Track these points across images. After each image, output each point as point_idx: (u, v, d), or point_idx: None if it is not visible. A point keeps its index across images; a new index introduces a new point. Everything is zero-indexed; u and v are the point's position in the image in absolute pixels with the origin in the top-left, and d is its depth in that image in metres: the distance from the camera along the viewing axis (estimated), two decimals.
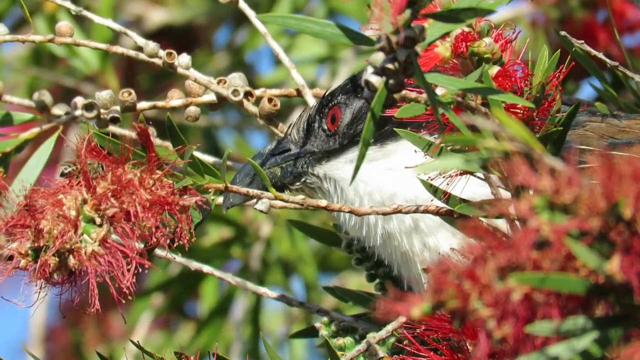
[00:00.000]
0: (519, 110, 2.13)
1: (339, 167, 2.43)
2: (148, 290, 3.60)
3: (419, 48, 1.86)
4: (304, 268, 3.52)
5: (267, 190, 2.22)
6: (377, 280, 2.47)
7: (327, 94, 2.48)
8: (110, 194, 2.00)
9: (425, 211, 2.23)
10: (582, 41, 2.34)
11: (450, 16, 1.86)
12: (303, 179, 2.46)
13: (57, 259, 1.97)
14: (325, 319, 2.41)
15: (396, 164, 2.36)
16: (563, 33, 2.34)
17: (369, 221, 2.39)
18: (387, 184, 2.37)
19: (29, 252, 1.97)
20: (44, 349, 3.76)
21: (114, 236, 2.00)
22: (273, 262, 3.53)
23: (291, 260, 3.54)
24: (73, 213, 1.97)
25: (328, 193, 2.44)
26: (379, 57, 1.89)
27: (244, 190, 2.20)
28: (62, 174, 2.08)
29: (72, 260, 1.97)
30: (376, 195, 2.38)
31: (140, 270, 2.01)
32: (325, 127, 2.45)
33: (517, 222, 2.04)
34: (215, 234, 3.56)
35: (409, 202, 2.33)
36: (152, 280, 3.59)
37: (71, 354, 3.97)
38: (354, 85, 2.44)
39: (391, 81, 1.89)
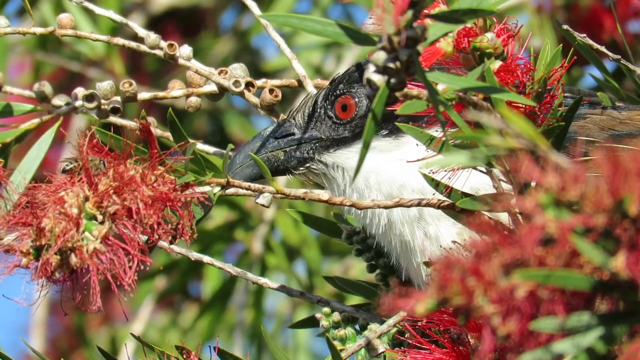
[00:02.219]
0: (520, 105, 2.13)
1: (350, 157, 2.41)
2: (152, 273, 3.61)
3: (420, 47, 1.86)
4: (308, 251, 3.53)
5: (264, 176, 2.21)
6: (378, 271, 2.47)
7: (335, 80, 2.46)
8: (112, 190, 1.99)
9: (427, 205, 2.23)
10: (584, 35, 2.33)
11: (451, 17, 1.85)
12: (307, 165, 2.45)
13: (58, 257, 1.96)
14: (326, 309, 2.41)
15: (409, 155, 2.35)
16: (565, 27, 2.33)
17: (373, 209, 2.38)
18: (398, 174, 2.36)
19: (31, 250, 1.96)
20: (46, 329, 3.78)
21: (115, 233, 2.00)
22: (276, 245, 3.53)
23: (294, 244, 3.54)
24: (75, 211, 1.96)
25: (334, 180, 2.43)
26: (380, 56, 1.89)
27: (246, 185, 2.20)
28: (64, 171, 2.07)
29: (73, 259, 1.95)
30: (386, 186, 2.37)
31: (142, 267, 2.00)
32: (333, 115, 2.43)
33: (519, 216, 2.04)
34: (219, 216, 3.56)
35: (416, 192, 2.33)
36: (156, 262, 3.59)
37: (74, 335, 3.98)
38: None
39: (393, 80, 1.89)
